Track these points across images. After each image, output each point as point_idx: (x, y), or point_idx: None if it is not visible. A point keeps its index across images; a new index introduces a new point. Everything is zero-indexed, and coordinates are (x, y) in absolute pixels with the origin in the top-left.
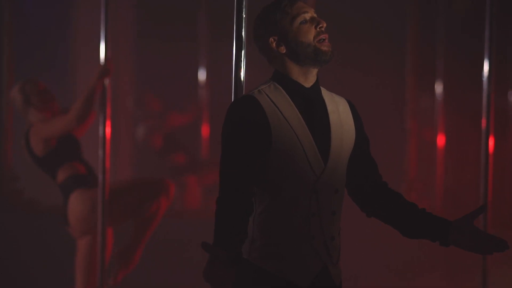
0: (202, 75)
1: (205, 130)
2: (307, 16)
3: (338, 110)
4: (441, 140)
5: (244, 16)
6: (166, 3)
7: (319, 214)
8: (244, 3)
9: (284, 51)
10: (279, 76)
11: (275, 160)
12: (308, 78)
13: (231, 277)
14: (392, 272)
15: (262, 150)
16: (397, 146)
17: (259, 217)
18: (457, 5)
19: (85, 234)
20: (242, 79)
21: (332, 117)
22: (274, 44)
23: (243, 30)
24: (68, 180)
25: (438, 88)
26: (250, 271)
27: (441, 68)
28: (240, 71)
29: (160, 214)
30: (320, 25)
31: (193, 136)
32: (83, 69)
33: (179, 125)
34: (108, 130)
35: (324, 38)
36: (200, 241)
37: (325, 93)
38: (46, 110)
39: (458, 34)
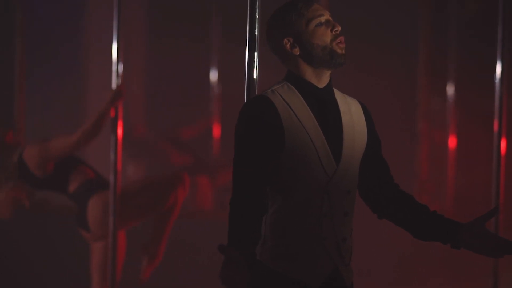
0: (213, 75)
1: (216, 131)
2: (323, 18)
3: (351, 112)
4: (452, 142)
5: (257, 16)
6: (178, 3)
7: (331, 215)
8: (257, 3)
9: (298, 53)
10: (292, 77)
11: (288, 161)
12: (321, 79)
13: (245, 278)
14: (402, 274)
15: (275, 151)
16: (408, 148)
17: (271, 218)
18: (469, 6)
19: (102, 237)
20: (255, 79)
21: (345, 118)
22: (288, 46)
23: (256, 30)
24: (81, 187)
25: (450, 89)
26: (262, 272)
27: (453, 70)
28: (253, 71)
29: (178, 206)
30: (336, 28)
31: (204, 136)
32: (95, 69)
33: (191, 125)
34: (120, 131)
35: (340, 41)
36: (211, 242)
37: (338, 94)
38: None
39: (470, 36)
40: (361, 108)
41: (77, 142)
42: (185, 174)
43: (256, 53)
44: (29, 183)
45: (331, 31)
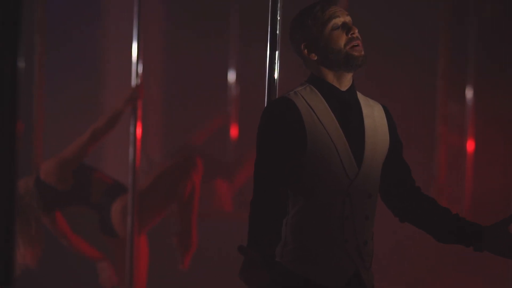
0: (231, 76)
1: (233, 132)
2: (339, 21)
3: (373, 115)
4: (470, 145)
5: (279, 16)
6: (197, 3)
7: (352, 218)
8: (279, 2)
9: (316, 58)
10: (314, 79)
11: (309, 163)
12: (343, 82)
13: (265, 279)
14: (423, 276)
15: (297, 153)
16: (426, 151)
17: (292, 220)
18: (489, 9)
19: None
20: (276, 80)
21: (367, 121)
22: (306, 51)
23: (278, 29)
24: (103, 196)
25: (469, 93)
26: (282, 274)
27: (472, 73)
28: (274, 72)
29: (198, 190)
30: (352, 32)
31: (222, 137)
32: (114, 69)
33: (209, 126)
34: (139, 130)
35: (356, 44)
36: (230, 243)
37: (361, 97)
38: None
39: (489, 39)
40: (383, 111)
41: (89, 139)
42: (197, 157)
43: (277, 53)
44: (55, 201)
45: (347, 34)
